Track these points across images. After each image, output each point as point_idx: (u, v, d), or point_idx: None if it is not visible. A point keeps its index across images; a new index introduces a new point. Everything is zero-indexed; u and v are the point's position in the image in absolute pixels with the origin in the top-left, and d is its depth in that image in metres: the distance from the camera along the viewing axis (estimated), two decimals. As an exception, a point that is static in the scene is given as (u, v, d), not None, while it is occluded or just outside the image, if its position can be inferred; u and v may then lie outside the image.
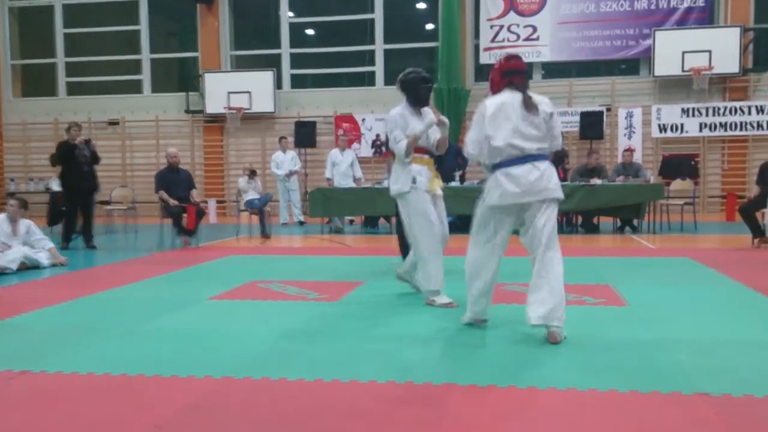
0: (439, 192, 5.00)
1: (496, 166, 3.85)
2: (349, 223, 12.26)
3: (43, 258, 7.11)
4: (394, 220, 10.71)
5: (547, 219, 3.79)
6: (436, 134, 4.90)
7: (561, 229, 10.37)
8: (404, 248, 6.56)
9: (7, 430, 2.66)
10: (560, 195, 3.84)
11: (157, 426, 2.65)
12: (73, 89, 15.95)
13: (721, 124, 13.11)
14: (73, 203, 9.01)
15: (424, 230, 4.80)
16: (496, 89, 4.00)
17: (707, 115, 13.13)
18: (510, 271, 6.34)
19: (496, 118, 3.81)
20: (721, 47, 12.76)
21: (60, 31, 15.78)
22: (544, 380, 3.09)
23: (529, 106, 3.81)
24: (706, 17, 13.28)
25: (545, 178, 3.79)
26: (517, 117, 3.81)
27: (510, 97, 3.87)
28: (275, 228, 11.20)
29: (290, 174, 12.31)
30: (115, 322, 4.43)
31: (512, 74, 3.95)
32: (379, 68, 14.65)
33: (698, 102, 13.22)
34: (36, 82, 16.47)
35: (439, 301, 4.80)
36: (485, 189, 3.97)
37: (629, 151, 10.86)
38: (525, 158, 3.79)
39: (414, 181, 4.78)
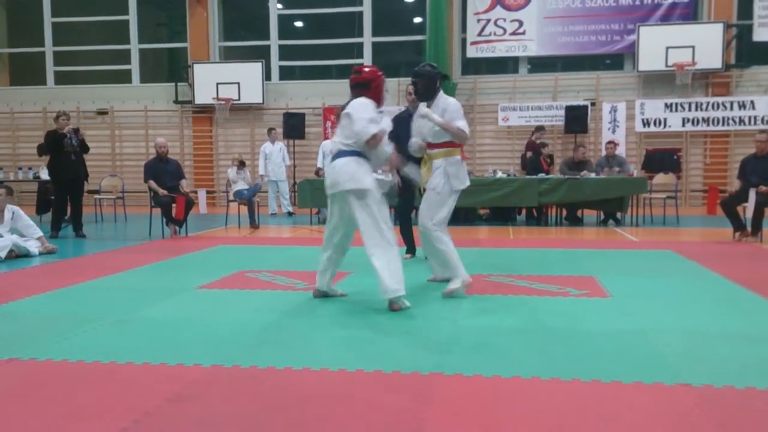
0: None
1: None
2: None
3: (33, 246, 7.13)
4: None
5: (358, 215, 4.41)
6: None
7: (546, 222, 10.50)
8: (408, 240, 6.89)
9: (-2, 417, 2.68)
10: (350, 186, 4.35)
11: (146, 413, 2.68)
12: (62, 78, 15.87)
13: (703, 119, 13.27)
14: (62, 192, 9.01)
15: None
16: None
17: (690, 110, 13.29)
18: (495, 262, 6.47)
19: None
20: (705, 43, 12.92)
21: (48, 19, 15.68)
22: (527, 370, 3.13)
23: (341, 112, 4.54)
24: (690, 13, 13.43)
25: (337, 172, 4.44)
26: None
27: None
28: (264, 218, 11.24)
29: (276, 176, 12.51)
30: (104, 311, 4.46)
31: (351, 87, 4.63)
32: (367, 61, 14.65)
33: (681, 97, 13.37)
34: (24, 71, 16.36)
35: None
36: None
37: (612, 144, 10.96)
38: (337, 154, 4.52)
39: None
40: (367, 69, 4.65)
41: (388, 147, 4.59)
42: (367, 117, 4.39)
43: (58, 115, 9.03)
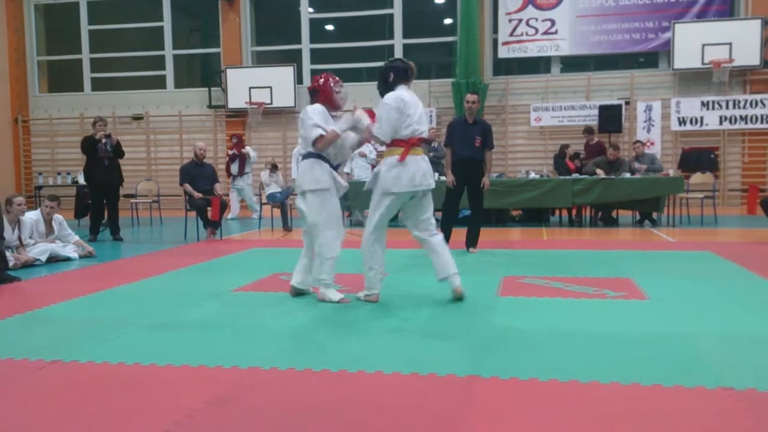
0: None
1: None
2: (370, 216, 12.32)
3: (72, 251, 7.28)
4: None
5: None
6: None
7: (580, 223, 10.38)
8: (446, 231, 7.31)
9: (40, 418, 2.73)
10: (307, 186, 4.79)
11: (187, 415, 2.71)
12: (98, 85, 16.17)
13: (741, 116, 12.99)
14: (97, 196, 9.25)
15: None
16: None
17: (727, 107, 13.02)
18: (530, 264, 6.42)
19: None
20: (742, 40, 12.66)
21: (85, 27, 16.01)
22: (565, 373, 3.09)
23: None
24: (727, 9, 13.17)
25: (300, 174, 4.87)
26: None
27: None
28: (297, 221, 11.30)
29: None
30: (143, 313, 4.53)
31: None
32: (398, 63, 14.66)
33: (718, 95, 13.11)
34: (62, 78, 16.71)
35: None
36: None
37: (639, 143, 10.79)
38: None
39: None
40: (318, 78, 4.98)
41: (351, 139, 4.98)
42: (310, 123, 4.73)
43: (95, 121, 9.32)
